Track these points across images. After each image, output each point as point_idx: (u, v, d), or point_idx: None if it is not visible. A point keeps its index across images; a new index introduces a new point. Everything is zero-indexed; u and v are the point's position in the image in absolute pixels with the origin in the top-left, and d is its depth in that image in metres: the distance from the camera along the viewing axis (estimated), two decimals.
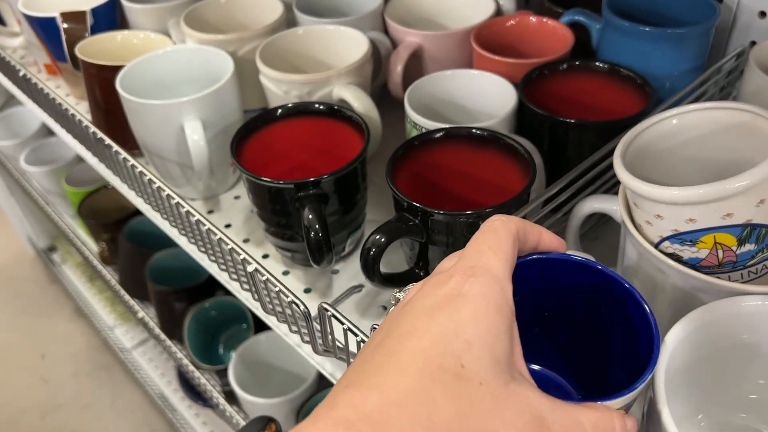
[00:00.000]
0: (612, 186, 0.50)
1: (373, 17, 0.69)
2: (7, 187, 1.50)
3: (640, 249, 0.39)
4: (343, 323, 0.41)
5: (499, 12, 0.68)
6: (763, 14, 0.59)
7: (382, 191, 0.56)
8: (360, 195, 0.53)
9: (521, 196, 0.44)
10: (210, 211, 0.66)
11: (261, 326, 1.05)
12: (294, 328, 0.49)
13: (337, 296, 0.44)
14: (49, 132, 1.36)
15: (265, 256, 0.59)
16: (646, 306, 0.31)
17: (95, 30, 0.74)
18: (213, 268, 0.59)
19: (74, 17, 0.73)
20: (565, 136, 0.52)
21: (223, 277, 0.59)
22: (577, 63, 0.57)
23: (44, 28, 0.76)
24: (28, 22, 0.78)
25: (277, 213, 0.51)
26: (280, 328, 0.55)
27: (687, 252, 0.37)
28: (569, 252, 0.33)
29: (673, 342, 0.34)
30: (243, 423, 0.96)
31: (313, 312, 0.44)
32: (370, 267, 0.45)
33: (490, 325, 0.26)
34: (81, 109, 0.80)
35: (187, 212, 0.54)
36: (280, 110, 0.56)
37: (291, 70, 0.59)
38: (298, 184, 0.48)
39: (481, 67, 0.60)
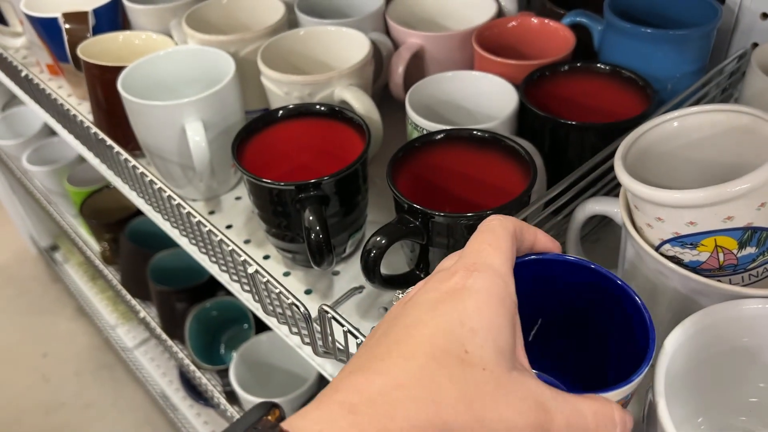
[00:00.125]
0: (613, 188, 0.50)
1: (375, 18, 0.68)
2: (9, 187, 1.50)
3: (640, 251, 0.39)
4: (343, 325, 0.41)
5: (500, 13, 0.68)
6: (765, 16, 0.59)
7: (383, 192, 0.56)
8: (361, 196, 0.53)
9: (522, 198, 0.44)
10: (211, 212, 0.66)
11: (262, 326, 1.05)
12: (294, 329, 0.49)
13: (337, 297, 0.44)
14: (51, 132, 1.36)
15: (266, 257, 0.59)
16: (638, 299, 0.32)
17: (97, 30, 0.74)
18: (214, 270, 0.59)
19: (76, 18, 0.73)
20: (566, 137, 0.52)
21: (224, 279, 0.59)
22: (578, 64, 0.57)
23: (46, 28, 0.76)
24: (30, 23, 0.78)
25: (278, 214, 0.51)
26: (280, 329, 0.55)
27: (688, 255, 0.37)
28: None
29: (674, 345, 0.34)
30: None
31: (314, 313, 0.44)
32: (370, 268, 0.45)
33: (493, 316, 0.26)
34: (83, 110, 0.80)
35: (188, 213, 0.54)
36: (281, 111, 0.56)
37: (292, 71, 0.59)
38: (298, 185, 0.48)
39: (483, 69, 0.60)
